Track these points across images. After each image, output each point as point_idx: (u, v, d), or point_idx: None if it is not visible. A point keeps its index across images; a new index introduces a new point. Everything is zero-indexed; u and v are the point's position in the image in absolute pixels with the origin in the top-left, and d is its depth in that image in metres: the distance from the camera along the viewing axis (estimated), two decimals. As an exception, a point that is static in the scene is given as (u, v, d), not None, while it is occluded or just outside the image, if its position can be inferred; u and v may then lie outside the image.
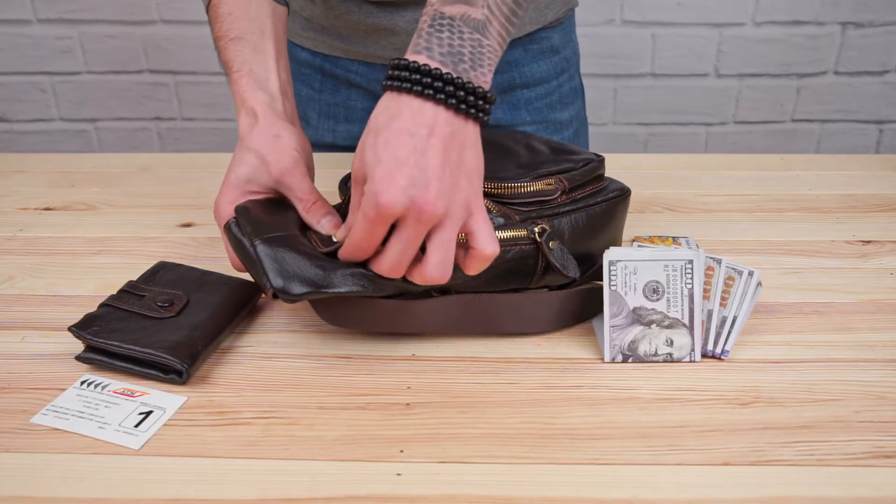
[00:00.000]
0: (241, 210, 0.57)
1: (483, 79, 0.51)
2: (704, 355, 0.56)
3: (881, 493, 0.44)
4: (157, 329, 0.55)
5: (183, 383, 0.53)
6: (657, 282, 0.55)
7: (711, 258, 0.57)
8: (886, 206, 0.79)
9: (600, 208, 0.61)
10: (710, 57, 1.58)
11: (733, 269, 0.57)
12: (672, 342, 0.55)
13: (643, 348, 0.55)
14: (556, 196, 0.59)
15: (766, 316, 0.60)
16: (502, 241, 0.55)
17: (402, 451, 0.48)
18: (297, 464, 0.47)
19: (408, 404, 0.52)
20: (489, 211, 0.57)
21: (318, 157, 0.69)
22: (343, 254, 0.52)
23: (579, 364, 0.55)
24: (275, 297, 0.55)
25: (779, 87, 1.61)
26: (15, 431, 0.49)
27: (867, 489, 0.44)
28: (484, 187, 0.56)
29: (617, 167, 0.85)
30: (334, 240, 0.55)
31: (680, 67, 1.59)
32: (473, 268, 0.51)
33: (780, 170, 0.88)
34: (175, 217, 0.78)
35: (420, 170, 0.47)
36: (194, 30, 1.57)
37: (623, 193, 0.63)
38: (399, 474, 0.46)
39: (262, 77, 0.63)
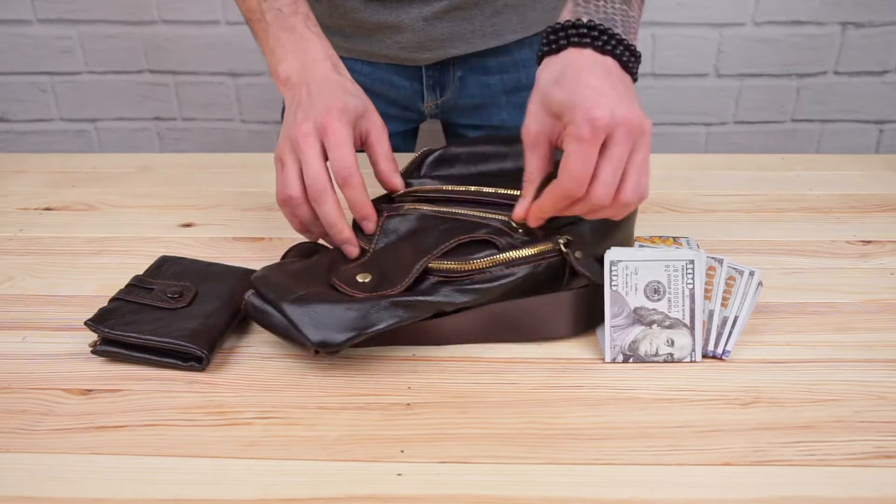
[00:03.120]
0: (260, 279, 0.56)
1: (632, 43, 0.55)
2: (705, 355, 0.56)
3: (882, 494, 0.44)
4: (172, 319, 0.56)
5: (202, 370, 0.54)
6: (658, 282, 0.55)
7: (713, 258, 0.57)
8: (886, 206, 0.79)
9: None
10: (710, 57, 1.58)
11: (734, 269, 0.57)
12: (673, 342, 0.55)
13: (644, 348, 0.55)
14: None
15: (766, 316, 0.60)
16: (532, 257, 0.56)
17: (402, 451, 0.47)
18: (297, 464, 0.47)
19: (408, 404, 0.52)
20: (514, 232, 0.58)
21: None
22: (557, 193, 0.52)
23: (580, 364, 0.55)
24: (317, 353, 0.54)
25: (779, 87, 1.61)
26: (15, 431, 0.49)
27: (868, 489, 0.44)
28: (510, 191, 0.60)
29: (617, 167, 0.85)
30: (513, 224, 0.58)
31: (680, 67, 1.59)
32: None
33: (780, 170, 0.88)
34: (175, 217, 0.77)
35: (616, 94, 0.51)
36: (194, 30, 1.56)
37: None
38: (399, 474, 0.46)
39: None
